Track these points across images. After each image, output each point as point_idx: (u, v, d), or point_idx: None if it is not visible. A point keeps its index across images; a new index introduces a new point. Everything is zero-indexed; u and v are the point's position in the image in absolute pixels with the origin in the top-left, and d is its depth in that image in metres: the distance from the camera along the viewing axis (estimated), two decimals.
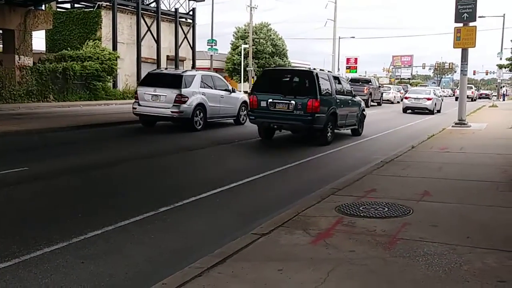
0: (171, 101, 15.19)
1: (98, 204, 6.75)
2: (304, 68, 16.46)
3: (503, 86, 66.18)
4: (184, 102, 15.21)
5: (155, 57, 37.58)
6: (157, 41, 37.47)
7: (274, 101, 13.03)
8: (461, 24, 17.70)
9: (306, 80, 13.43)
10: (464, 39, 17.54)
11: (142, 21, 35.97)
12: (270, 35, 54.68)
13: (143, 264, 4.62)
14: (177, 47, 39.42)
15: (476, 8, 17.49)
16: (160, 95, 15.40)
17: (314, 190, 7.68)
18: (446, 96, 58.96)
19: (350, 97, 15.38)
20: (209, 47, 40.09)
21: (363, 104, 16.99)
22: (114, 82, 33.48)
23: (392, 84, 62.08)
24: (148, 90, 15.61)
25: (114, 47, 33.60)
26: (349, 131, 15.88)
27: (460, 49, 18.02)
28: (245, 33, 52.83)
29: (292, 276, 3.95)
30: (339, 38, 60.43)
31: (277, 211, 6.29)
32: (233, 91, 18.20)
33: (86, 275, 4.33)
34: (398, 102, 44.49)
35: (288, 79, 14.53)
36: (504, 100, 56.79)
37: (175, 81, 15.63)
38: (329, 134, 13.39)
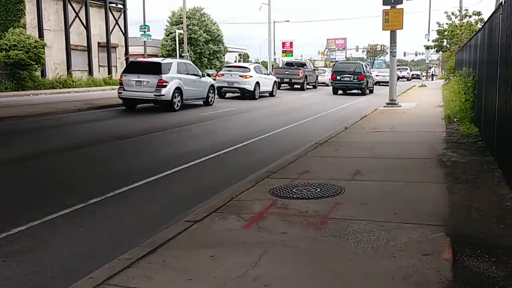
0: (153, 85, 17.63)
1: (27, 198, 6.41)
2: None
3: (431, 67, 69.06)
4: (165, 86, 17.68)
5: (86, 44, 36.19)
6: (87, 28, 36.03)
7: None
8: (389, 7, 18.21)
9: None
10: (392, 21, 18.07)
11: (69, 6, 34.38)
12: (204, 20, 54.01)
13: (70, 259, 4.44)
14: (108, 33, 38.10)
15: None
16: (143, 81, 17.83)
17: (249, 174, 7.68)
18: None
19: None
20: (142, 33, 39.06)
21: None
22: (42, 71, 31.96)
23: (327, 67, 63.14)
24: (132, 77, 18.00)
25: (41, 35, 31.98)
26: None
27: (389, 31, 18.56)
28: (179, 18, 51.89)
29: (224, 262, 3.91)
30: (274, 22, 60.63)
31: (212, 197, 6.25)
32: (203, 76, 20.79)
33: (9, 273, 4.11)
34: None
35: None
36: (433, 80, 59.31)
37: (155, 68, 18.07)
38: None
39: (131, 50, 42.28)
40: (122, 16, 39.39)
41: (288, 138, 12.10)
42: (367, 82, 30.83)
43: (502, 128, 6.81)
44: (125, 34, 40.12)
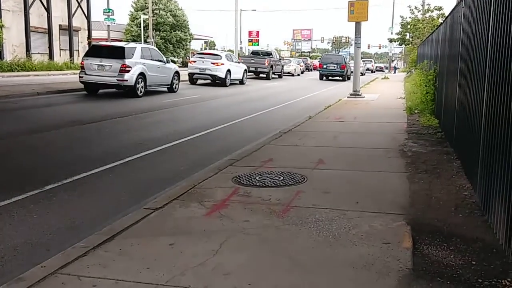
0: (116, 70, 17.23)
1: None
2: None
3: (394, 60, 70.22)
4: (128, 71, 17.30)
5: (46, 27, 35.04)
6: (48, 9, 34.89)
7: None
8: None
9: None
10: (357, 13, 18.20)
11: None
12: (169, 6, 53.10)
13: (22, 247, 4.25)
14: (70, 16, 37.02)
15: None
16: (105, 65, 17.37)
17: (212, 162, 7.58)
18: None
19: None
20: (106, 17, 38.12)
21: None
22: (0, 52, 30.80)
23: (293, 57, 63.38)
24: (94, 61, 17.49)
25: None
26: None
27: (354, 23, 18.68)
28: (145, 3, 50.86)
29: (184, 250, 3.83)
30: (241, 10, 60.26)
31: (174, 185, 6.13)
32: (168, 62, 20.58)
33: None
34: (299, 75, 45.73)
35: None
36: (395, 72, 60.35)
37: (118, 52, 17.62)
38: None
39: (94, 34, 41.25)
40: None
41: (254, 126, 12.04)
42: (347, 70, 37.42)
43: (461, 120, 6.93)
44: (88, 17, 39.10)
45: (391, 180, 6.11)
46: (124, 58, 17.42)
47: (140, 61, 18.10)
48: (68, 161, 7.62)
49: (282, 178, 6.10)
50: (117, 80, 17.24)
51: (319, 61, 40.95)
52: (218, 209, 4.86)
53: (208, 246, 3.88)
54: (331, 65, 37.16)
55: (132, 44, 19.84)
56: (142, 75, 17.91)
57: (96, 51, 18.34)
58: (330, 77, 37.29)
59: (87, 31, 39.07)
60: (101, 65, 17.42)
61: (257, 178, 6.09)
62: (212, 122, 12.06)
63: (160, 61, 19.80)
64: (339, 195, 5.40)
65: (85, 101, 16.67)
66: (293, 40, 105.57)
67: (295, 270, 3.52)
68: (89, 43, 37.48)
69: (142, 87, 17.98)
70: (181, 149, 8.89)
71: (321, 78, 37.52)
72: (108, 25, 39.23)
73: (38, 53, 34.07)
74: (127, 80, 17.27)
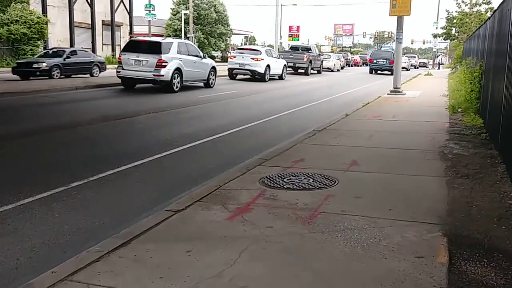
0: (153, 65, 17.21)
1: (5, 179, 6.13)
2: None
3: (438, 55, 68.17)
4: (164, 66, 17.26)
5: (90, 22, 35.75)
6: (91, 5, 35.61)
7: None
8: None
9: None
10: (400, 7, 17.56)
11: None
12: (212, 1, 53.25)
13: (39, 248, 4.16)
14: (112, 11, 37.68)
15: None
16: (142, 60, 17.42)
17: (242, 160, 7.37)
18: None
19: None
20: (147, 12, 38.43)
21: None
22: (45, 47, 31.59)
23: (334, 53, 62.42)
24: (131, 56, 17.54)
25: (44, 11, 31.63)
26: None
27: (396, 17, 18.06)
28: None
29: (200, 258, 3.62)
30: (281, 5, 59.73)
31: (200, 185, 5.95)
32: (204, 57, 20.44)
33: None
34: (338, 70, 44.99)
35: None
36: (439, 68, 58.55)
37: (155, 48, 17.64)
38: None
39: (136, 29, 41.82)
40: None
41: (289, 123, 11.76)
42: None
43: (509, 121, 6.46)
44: (130, 12, 39.70)
45: (428, 185, 5.73)
46: (161, 53, 17.41)
47: (177, 56, 18.07)
48: (97, 157, 7.57)
49: (311, 180, 5.82)
50: (154, 75, 17.25)
51: (369, 57, 45.41)
52: (241, 213, 4.64)
53: (226, 255, 3.66)
54: (381, 60, 39.96)
55: (169, 39, 19.87)
56: (178, 70, 17.89)
57: (133, 46, 18.38)
58: (379, 71, 39.86)
59: (129, 27, 39.68)
60: (138, 60, 17.46)
61: (285, 179, 5.83)
62: (246, 118, 11.86)
63: (197, 56, 19.78)
64: (371, 201, 5.08)
65: (122, 95, 16.81)
66: (335, 35, 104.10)
67: (317, 285, 3.26)
68: (130, 38, 38.01)
69: (178, 82, 17.94)
70: (211, 147, 8.72)
71: (370, 72, 40.46)
72: (149, 20, 39.59)
73: (82, 47, 34.78)
74: (163, 75, 17.26)
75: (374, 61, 41.01)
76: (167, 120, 11.83)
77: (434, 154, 7.50)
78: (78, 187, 5.84)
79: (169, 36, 52.18)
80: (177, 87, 17.88)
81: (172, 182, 6.37)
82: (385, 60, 39.26)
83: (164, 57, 17.38)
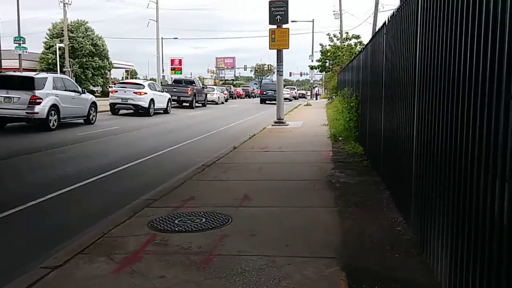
0: (25, 102, 15.97)
1: None
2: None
3: (316, 86, 72.14)
4: (39, 103, 16.14)
5: None
6: None
7: None
8: (275, 26, 18.35)
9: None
10: (279, 41, 18.22)
11: None
12: (89, 34, 51.39)
13: None
14: None
15: (288, 11, 18.30)
16: (13, 97, 16.04)
17: (128, 202, 6.86)
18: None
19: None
20: (16, 45, 35.98)
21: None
22: None
23: (217, 85, 63.28)
24: (0, 92, 16.05)
25: None
26: None
27: (276, 50, 18.68)
28: (61, 31, 48.83)
29: None
30: (162, 38, 59.58)
31: (81, 234, 5.36)
32: (83, 92, 19.67)
33: None
34: (223, 103, 45.55)
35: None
36: (317, 99, 61.84)
37: (28, 83, 16.45)
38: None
39: (5, 64, 38.75)
40: None
41: (177, 159, 11.39)
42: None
43: (389, 148, 6.75)
44: None
45: (321, 217, 5.72)
46: (34, 89, 16.26)
47: (53, 92, 17.08)
48: None
49: (204, 220, 5.52)
50: (27, 113, 15.99)
51: (259, 89, 50.96)
52: (129, 264, 4.20)
53: None
54: (270, 91, 43.22)
55: (43, 74, 18.69)
56: (54, 107, 16.87)
57: (2, 81, 17.00)
58: (267, 101, 43.11)
59: None
60: (8, 97, 16.06)
61: (176, 221, 5.47)
62: (130, 156, 11.26)
63: (75, 91, 18.90)
64: (267, 238, 4.90)
65: None
66: (217, 68, 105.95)
67: None
68: None
69: (55, 119, 16.92)
70: (93, 189, 8.07)
71: (261, 102, 44.38)
72: (19, 54, 37.05)
73: None
74: (38, 113, 16.11)
75: (264, 93, 45.14)
76: (43, 161, 10.85)
77: (322, 183, 7.61)
78: None
79: (43, 70, 49.33)
80: (53, 125, 16.82)
81: (49, 232, 5.70)
82: (273, 92, 41.23)
83: (38, 93, 16.27)
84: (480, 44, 2.81)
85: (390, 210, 5.89)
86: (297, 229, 5.21)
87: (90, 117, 19.63)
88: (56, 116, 16.95)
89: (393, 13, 6.46)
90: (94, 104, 19.97)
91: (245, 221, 5.53)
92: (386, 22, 7.08)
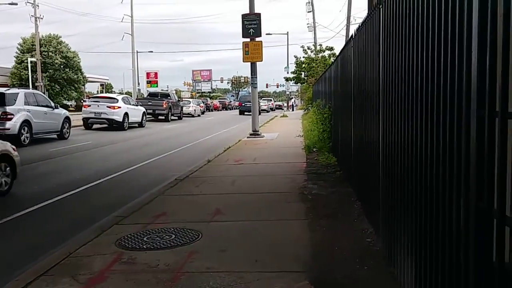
0: None
1: None
2: None
3: (292, 98, 72.54)
4: (10, 119, 16.09)
5: None
6: None
7: None
8: (248, 39, 18.42)
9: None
10: (252, 54, 18.29)
11: None
12: (60, 48, 50.74)
13: None
14: None
15: (261, 24, 18.42)
16: None
17: (97, 220, 6.74)
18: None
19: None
20: None
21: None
22: None
23: (193, 98, 63.13)
24: None
25: None
26: None
27: (250, 63, 18.74)
28: (32, 45, 48.17)
29: None
30: (137, 52, 59.31)
31: (46, 254, 5.23)
32: (56, 107, 19.52)
33: None
34: (199, 115, 45.43)
35: None
36: (293, 110, 62.12)
37: None
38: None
39: None
40: None
41: (149, 173, 11.26)
42: (260, 107, 42.00)
43: (358, 159, 6.79)
44: None
45: (291, 230, 5.70)
46: (5, 105, 16.30)
47: (24, 107, 17.11)
48: None
49: (174, 236, 5.45)
50: None
51: (238, 101, 54.75)
52: (94, 284, 4.11)
53: None
54: (248, 103, 45.56)
55: (13, 90, 18.63)
56: (26, 123, 16.87)
57: None
58: (246, 113, 42.88)
59: None
60: None
61: (145, 238, 5.39)
62: (103, 171, 11.11)
63: (48, 106, 18.85)
64: (237, 253, 4.86)
65: None
66: (193, 81, 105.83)
67: None
68: None
69: (27, 135, 16.86)
70: (62, 206, 7.92)
71: (240, 114, 46.28)
72: None
73: None
74: (9, 129, 16.04)
75: (243, 104, 46.53)
76: (31, 174, 10.59)
77: (295, 196, 7.61)
78: None
79: (14, 86, 48.49)
80: (25, 140, 16.73)
81: (13, 254, 5.55)
82: (250, 103, 43.48)
83: (9, 109, 16.28)
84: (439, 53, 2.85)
85: (360, 221, 5.90)
86: (267, 243, 5.18)
87: (64, 132, 19.52)
88: (28, 131, 16.87)
89: (359, 26, 6.54)
90: (67, 119, 19.91)
91: (215, 236, 5.48)
92: (353, 35, 7.16)
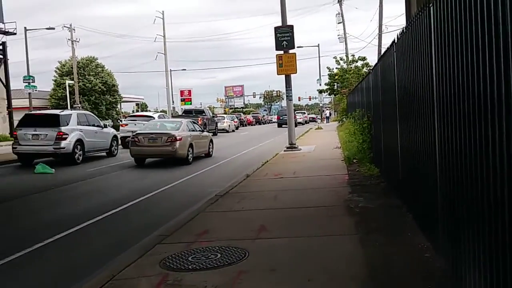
0: (52, 138, 16.69)
1: None
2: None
3: (326, 109, 71.99)
4: (65, 139, 16.84)
5: None
6: None
7: None
8: (282, 52, 18.26)
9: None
10: (286, 66, 18.10)
11: None
12: (99, 72, 51.94)
13: None
14: None
15: (294, 36, 18.21)
16: (40, 134, 16.85)
17: (139, 240, 6.60)
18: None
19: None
20: (26, 84, 36.38)
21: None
22: None
23: (227, 114, 63.42)
24: (28, 130, 16.94)
25: None
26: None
27: (284, 76, 18.55)
28: (70, 68, 49.46)
29: None
30: (171, 70, 60.13)
31: (89, 277, 5.09)
32: (105, 126, 20.36)
33: None
34: (233, 131, 45.50)
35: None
36: (328, 122, 61.60)
37: (53, 120, 17.21)
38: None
39: (15, 103, 39.20)
40: (2, 66, 36.45)
41: (189, 190, 11.18)
42: (296, 119, 40.50)
43: (408, 168, 6.44)
44: (6, 86, 37.14)
45: (342, 246, 5.40)
46: (60, 126, 17.00)
47: (77, 127, 17.73)
48: None
49: (219, 255, 5.23)
50: (54, 148, 16.68)
51: (276, 114, 62.19)
52: None
53: None
54: (285, 116, 47.95)
55: (67, 111, 19.69)
56: (79, 142, 17.52)
57: (29, 120, 17.76)
58: (283, 126, 42.51)
59: (6, 100, 37.00)
60: (36, 134, 16.86)
61: (189, 258, 5.18)
62: (145, 188, 11.09)
63: (98, 126, 19.47)
64: (288, 272, 4.60)
65: (19, 173, 15.82)
66: (226, 97, 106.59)
67: None
68: (9, 113, 35.55)
69: (80, 153, 17.53)
70: (106, 225, 7.83)
71: (279, 126, 48.57)
72: (29, 93, 37.42)
73: None
74: (64, 148, 16.81)
75: (281, 118, 49.36)
76: (73, 194, 10.71)
77: (340, 209, 7.30)
78: None
79: (53, 108, 49.75)
80: (78, 158, 17.40)
81: (55, 276, 5.44)
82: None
83: (64, 129, 17.00)
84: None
85: (415, 235, 5.54)
86: (318, 261, 4.90)
87: (112, 150, 20.15)
88: (81, 150, 17.57)
89: (403, 29, 6.25)
90: (115, 137, 20.79)
91: (263, 254, 5.23)
92: (396, 40, 6.86)
